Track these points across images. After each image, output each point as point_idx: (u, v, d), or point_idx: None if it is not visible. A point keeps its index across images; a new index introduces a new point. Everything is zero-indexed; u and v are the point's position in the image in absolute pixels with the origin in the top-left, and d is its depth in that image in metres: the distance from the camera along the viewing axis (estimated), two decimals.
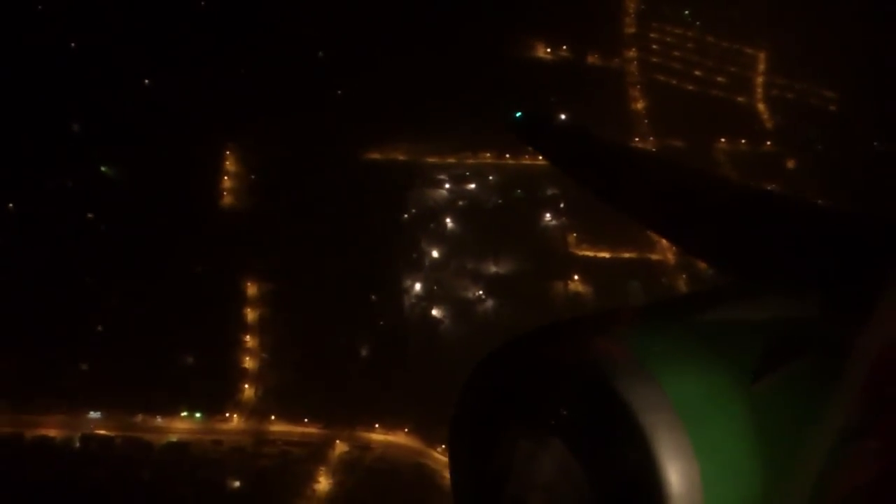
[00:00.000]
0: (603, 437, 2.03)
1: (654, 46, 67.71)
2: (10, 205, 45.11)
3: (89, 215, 46.13)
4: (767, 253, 3.73)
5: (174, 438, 37.46)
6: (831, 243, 3.52)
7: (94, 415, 37.22)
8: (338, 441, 38.56)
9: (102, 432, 36.84)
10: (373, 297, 45.76)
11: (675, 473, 1.98)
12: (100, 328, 40.61)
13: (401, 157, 54.86)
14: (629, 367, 2.05)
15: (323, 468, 37.71)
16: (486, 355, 2.21)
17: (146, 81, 55.23)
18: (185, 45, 54.90)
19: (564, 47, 65.27)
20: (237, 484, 35.99)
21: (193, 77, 53.39)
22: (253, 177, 51.29)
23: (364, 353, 42.46)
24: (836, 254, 3.33)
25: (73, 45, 56.33)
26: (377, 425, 39.17)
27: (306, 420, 39.08)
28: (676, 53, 67.55)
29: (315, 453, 37.93)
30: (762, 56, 67.12)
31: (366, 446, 38.76)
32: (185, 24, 56.57)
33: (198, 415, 38.71)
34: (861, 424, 2.33)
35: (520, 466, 2.09)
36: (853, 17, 60.33)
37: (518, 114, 7.32)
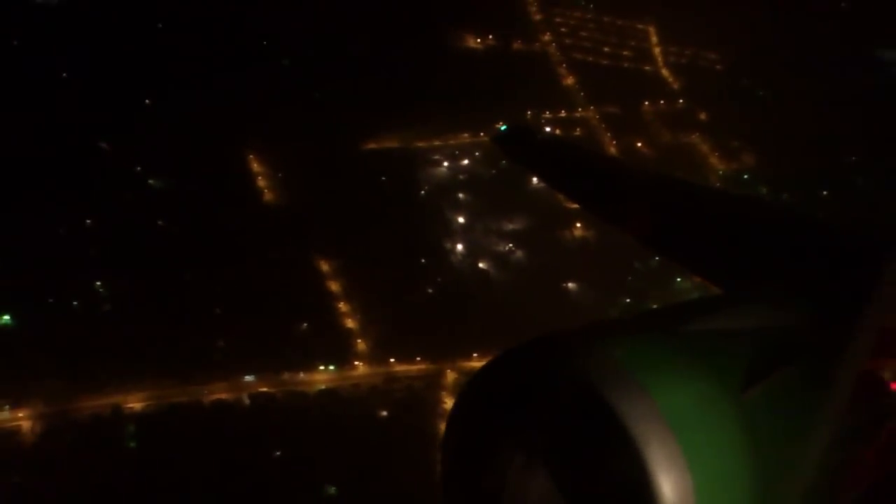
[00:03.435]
0: (594, 448, 2.17)
1: (563, 29, 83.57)
2: (88, 221, 53.55)
3: (159, 222, 55.34)
4: (753, 262, 4.02)
5: (322, 387, 48.54)
6: (817, 252, 3.80)
7: (249, 378, 47.49)
8: (448, 371, 51.04)
9: (264, 389, 47.22)
10: (423, 260, 58.20)
11: (668, 484, 2.10)
12: (218, 311, 50.56)
13: (394, 145, 67.15)
14: (619, 379, 2.18)
15: (444, 392, 50.03)
16: (476, 372, 2.44)
17: (147, 101, 64.17)
18: (168, 67, 64.28)
19: (490, 37, 79.51)
20: (385, 413, 47.70)
21: (187, 94, 63.07)
22: (280, 175, 61.99)
23: (437, 303, 54.89)
24: (822, 263, 3.60)
25: (64, 75, 64.09)
26: (475, 355, 51.85)
27: (418, 358, 51.22)
28: (583, 34, 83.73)
29: (434, 383, 50.28)
30: (651, 29, 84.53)
31: (471, 372, 51.30)
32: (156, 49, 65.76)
33: (331, 367, 49.89)
34: (853, 432, 2.58)
35: (513, 481, 2.22)
36: None
37: (503, 127, 8.30)
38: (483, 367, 2.43)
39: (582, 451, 2.17)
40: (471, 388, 2.42)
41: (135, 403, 45.37)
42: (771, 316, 2.82)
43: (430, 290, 55.95)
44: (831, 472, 2.50)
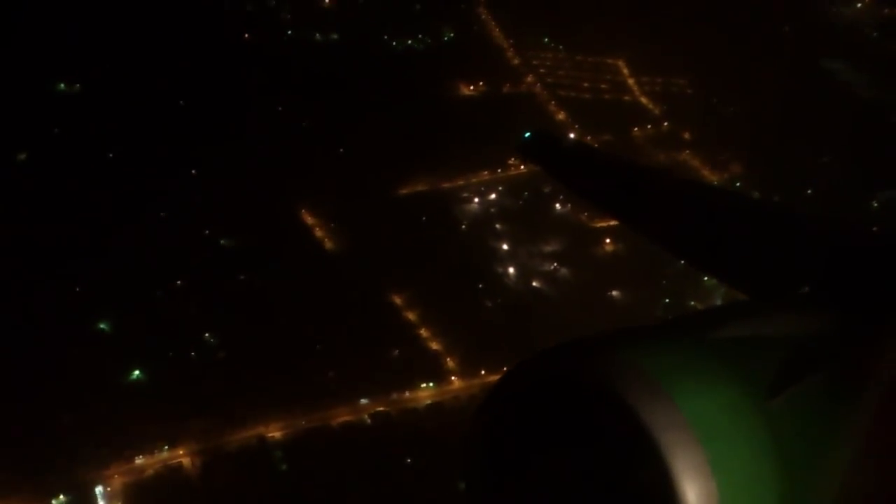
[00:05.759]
0: (619, 456, 2.35)
1: (542, 70, 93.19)
2: (178, 282, 60.51)
3: (241, 276, 62.55)
4: (780, 269, 4.19)
5: (428, 402, 56.20)
6: (845, 259, 3.87)
7: (364, 401, 54.92)
8: None
9: (381, 409, 54.67)
10: (480, 285, 66.52)
11: (692, 492, 2.24)
12: (318, 347, 57.91)
13: (424, 188, 75.61)
14: (645, 385, 2.34)
15: None
16: (500, 378, 2.67)
17: (192, 171, 71.52)
18: (198, 139, 71.93)
19: (481, 83, 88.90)
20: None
21: (226, 161, 70.72)
22: (332, 224, 69.79)
23: (505, 319, 63.16)
24: (850, 269, 3.67)
25: (110, 155, 71.16)
26: None
27: (504, 368, 59.03)
28: (561, 73, 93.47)
29: None
30: (621, 63, 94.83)
31: None
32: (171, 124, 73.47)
33: (431, 384, 57.62)
34: (880, 443, 2.57)
35: (537, 486, 2.42)
36: (676, 21, 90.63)
37: (527, 134, 8.52)
38: (507, 373, 2.68)
39: (606, 458, 2.40)
40: (495, 394, 2.66)
41: (275, 432, 52.24)
42: (798, 323, 2.95)
43: (494, 309, 64.08)
44: (858, 484, 2.54)
